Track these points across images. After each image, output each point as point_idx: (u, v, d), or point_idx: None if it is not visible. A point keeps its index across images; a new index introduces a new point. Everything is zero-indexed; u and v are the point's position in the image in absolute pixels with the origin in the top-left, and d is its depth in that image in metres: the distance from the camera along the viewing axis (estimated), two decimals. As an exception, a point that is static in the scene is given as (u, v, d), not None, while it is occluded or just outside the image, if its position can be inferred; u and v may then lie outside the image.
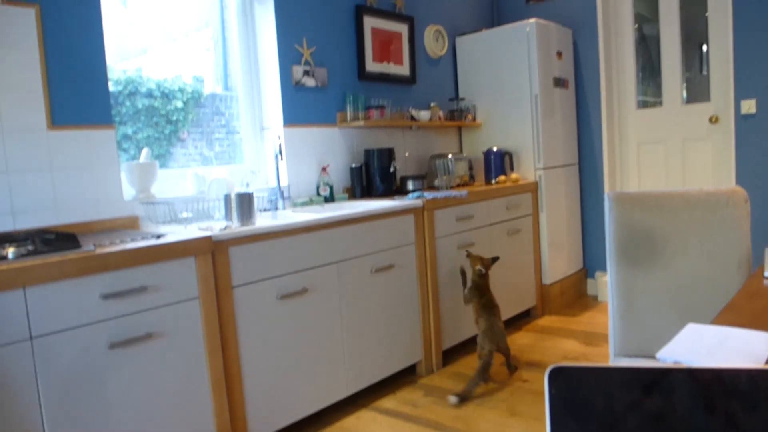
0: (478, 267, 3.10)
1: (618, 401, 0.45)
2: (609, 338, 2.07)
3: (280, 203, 3.10)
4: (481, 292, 3.08)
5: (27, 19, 2.29)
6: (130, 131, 2.86)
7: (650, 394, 0.44)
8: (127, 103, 2.85)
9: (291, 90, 3.29)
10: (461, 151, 4.53)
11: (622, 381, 0.44)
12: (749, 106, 3.71)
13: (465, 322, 3.45)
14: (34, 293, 1.75)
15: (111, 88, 2.69)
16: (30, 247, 1.86)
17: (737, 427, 0.43)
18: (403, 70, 3.99)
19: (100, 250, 1.91)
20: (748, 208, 1.88)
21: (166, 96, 3.00)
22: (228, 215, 2.48)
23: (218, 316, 2.22)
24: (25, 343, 1.74)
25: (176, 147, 3.07)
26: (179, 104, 3.05)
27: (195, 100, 3.14)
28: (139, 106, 2.89)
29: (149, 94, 2.93)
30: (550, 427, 0.47)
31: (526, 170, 4.13)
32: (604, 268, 4.53)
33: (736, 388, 0.43)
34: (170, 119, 3.02)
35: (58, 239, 2.02)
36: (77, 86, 2.45)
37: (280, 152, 3.02)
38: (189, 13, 3.21)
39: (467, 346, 3.57)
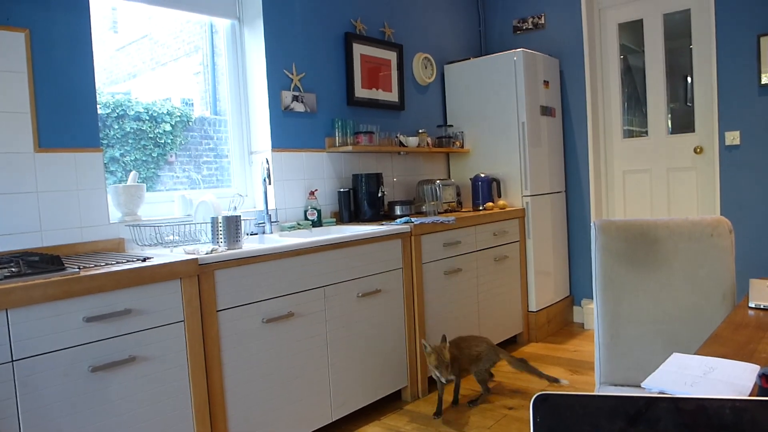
0: (434, 364, 2.80)
1: (603, 431, 0.45)
2: (595, 367, 2.06)
3: (267, 227, 3.09)
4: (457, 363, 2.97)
5: (17, 42, 2.29)
6: (117, 154, 2.85)
7: (635, 424, 0.44)
8: (115, 126, 2.84)
9: (280, 115, 3.30)
10: (449, 177, 4.55)
11: (608, 410, 0.44)
12: (733, 138, 3.77)
13: (451, 349, 3.43)
14: (17, 315, 1.72)
15: (99, 111, 2.69)
16: (14, 269, 1.84)
17: (721, 458, 0.43)
18: (392, 96, 4.02)
19: (84, 273, 1.89)
20: (732, 238, 1.90)
21: (155, 119, 3.00)
22: (215, 238, 2.47)
23: (203, 340, 2.20)
24: (7, 365, 1.71)
25: (164, 170, 3.06)
26: (167, 127, 3.05)
27: (183, 123, 3.14)
28: (127, 129, 2.89)
29: (137, 117, 2.93)
30: (535, 457, 0.47)
31: (514, 197, 4.16)
32: (590, 296, 4.54)
33: (720, 420, 0.43)
34: (158, 142, 3.02)
35: (42, 261, 2.00)
36: (65, 109, 2.44)
37: (268, 176, 3.02)
38: (178, 38, 3.22)
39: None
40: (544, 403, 0.46)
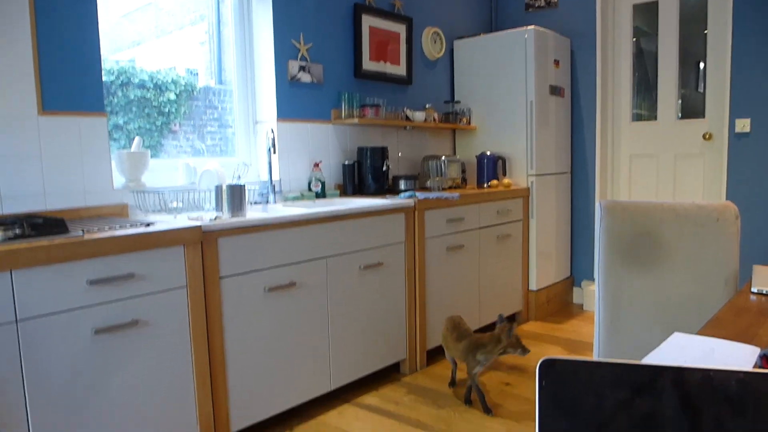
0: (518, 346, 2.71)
1: (608, 399, 0.45)
2: (594, 347, 2.07)
3: (270, 197, 3.09)
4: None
5: (20, 2, 2.26)
6: (121, 121, 2.84)
7: (640, 393, 0.44)
8: (119, 94, 2.82)
9: (286, 85, 3.28)
10: (455, 153, 4.53)
11: (613, 378, 0.44)
12: (743, 125, 3.74)
13: (451, 325, 3.45)
14: (21, 276, 1.73)
15: (103, 77, 2.67)
16: (17, 231, 1.84)
17: (725, 431, 0.44)
18: (400, 70, 3.99)
19: (88, 236, 1.89)
20: (738, 224, 1.89)
21: (159, 88, 2.98)
22: (218, 206, 2.47)
23: (205, 307, 2.21)
24: (11, 325, 1.72)
25: (167, 139, 3.05)
26: (172, 96, 3.04)
27: (188, 92, 3.12)
28: (131, 96, 2.87)
29: (142, 85, 2.91)
30: (538, 420, 0.47)
31: (519, 176, 4.15)
32: (590, 278, 4.55)
33: (725, 391, 0.43)
34: (162, 111, 3.00)
35: (47, 224, 2.00)
36: (69, 72, 2.43)
37: (273, 146, 3.01)
38: (184, 6, 3.19)
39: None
40: (550, 368, 0.47)
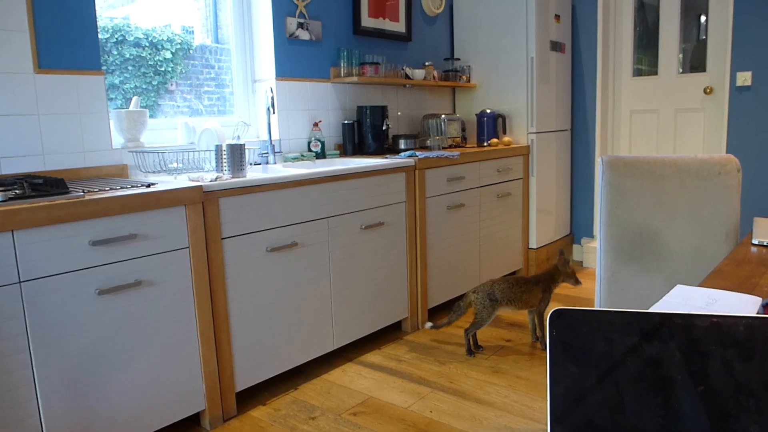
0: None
1: (617, 345, 0.45)
2: (595, 303, 2.09)
3: (270, 158, 3.07)
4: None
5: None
6: (117, 81, 2.80)
7: (649, 339, 0.45)
8: (114, 52, 2.78)
9: (284, 42, 3.23)
10: (454, 112, 4.50)
11: (623, 325, 0.45)
12: (745, 78, 3.71)
13: (451, 282, 3.48)
14: (23, 237, 1.73)
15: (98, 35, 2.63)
16: (18, 191, 1.84)
17: (732, 375, 0.44)
18: (399, 27, 3.93)
19: (89, 196, 1.89)
20: (739, 177, 1.89)
21: (155, 46, 2.93)
22: (219, 166, 2.46)
23: (208, 267, 2.22)
24: (15, 286, 1.73)
25: (164, 99, 3.02)
26: (168, 55, 2.99)
27: (184, 51, 3.08)
28: (127, 55, 2.83)
29: (137, 44, 2.86)
30: (549, 369, 0.48)
31: (519, 134, 4.12)
32: (590, 235, 4.56)
33: (733, 336, 0.44)
34: (158, 70, 2.96)
35: (47, 184, 1.99)
36: (65, 29, 2.38)
37: (272, 105, 2.98)
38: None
39: (453, 305, 3.60)
40: (560, 318, 0.47)
